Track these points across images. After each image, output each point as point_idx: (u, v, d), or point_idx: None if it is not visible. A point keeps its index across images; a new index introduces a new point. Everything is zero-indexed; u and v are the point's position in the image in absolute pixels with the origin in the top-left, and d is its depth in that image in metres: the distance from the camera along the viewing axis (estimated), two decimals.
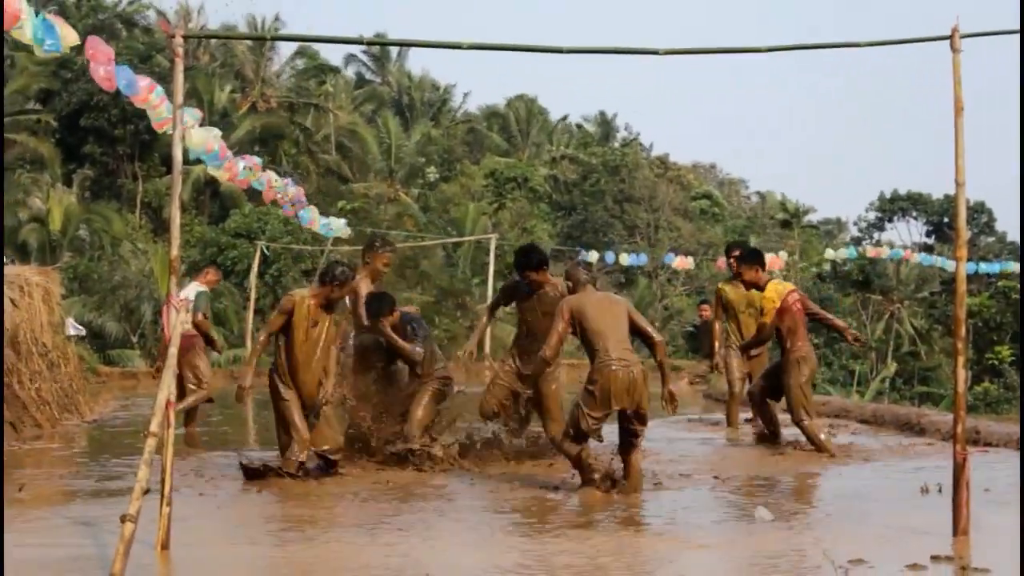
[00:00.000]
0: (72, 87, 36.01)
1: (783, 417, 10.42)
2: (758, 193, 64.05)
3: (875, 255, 37.49)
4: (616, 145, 54.80)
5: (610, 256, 33.29)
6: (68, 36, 9.10)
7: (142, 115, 14.23)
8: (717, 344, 11.82)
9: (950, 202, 45.61)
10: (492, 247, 27.97)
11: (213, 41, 42.42)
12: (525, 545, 6.09)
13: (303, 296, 8.47)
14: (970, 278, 29.67)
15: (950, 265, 33.16)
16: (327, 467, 8.48)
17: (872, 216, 54.92)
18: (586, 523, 6.74)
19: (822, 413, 12.35)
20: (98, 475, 8.80)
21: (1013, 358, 30.69)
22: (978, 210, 52.79)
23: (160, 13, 41.45)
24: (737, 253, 10.88)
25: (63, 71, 35.72)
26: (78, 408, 13.83)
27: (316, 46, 46.47)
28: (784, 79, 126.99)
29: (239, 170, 14.36)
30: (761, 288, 10.04)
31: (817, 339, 29.59)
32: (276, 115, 41.15)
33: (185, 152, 9.22)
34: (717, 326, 11.85)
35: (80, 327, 20.96)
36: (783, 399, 10.14)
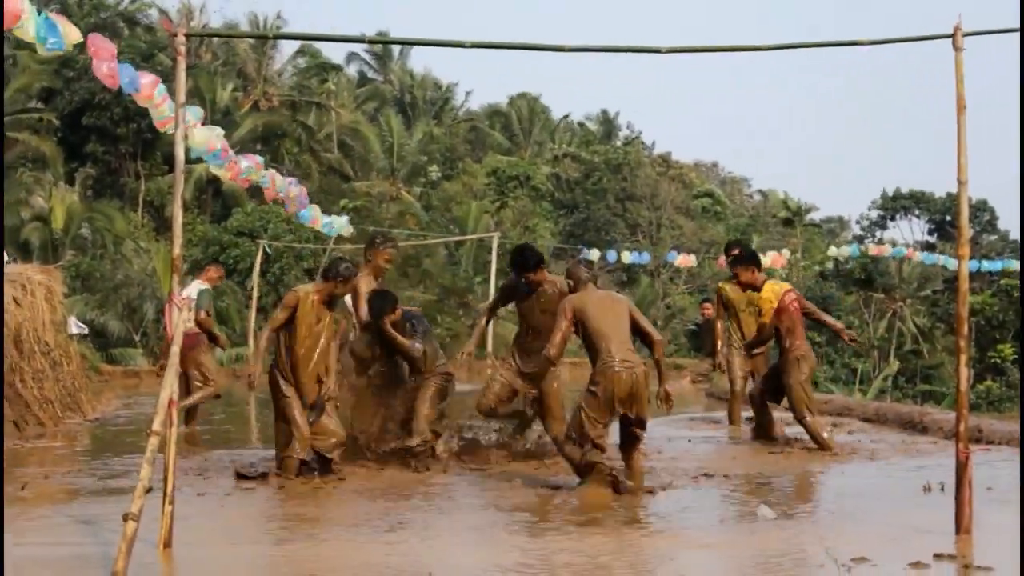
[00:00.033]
0: (74, 86, 36.02)
1: (786, 416, 10.43)
2: (760, 192, 64.07)
3: (877, 253, 37.45)
4: (618, 143, 54.81)
5: (612, 254, 33.25)
6: (71, 34, 9.09)
7: (144, 113, 14.23)
8: (720, 343, 11.85)
9: (952, 200, 45.50)
10: (494, 246, 27.93)
11: (215, 40, 42.42)
12: (526, 544, 6.09)
13: (307, 292, 8.48)
14: (972, 276, 29.68)
15: (952, 263, 33.09)
16: (323, 467, 8.45)
17: (874, 214, 54.94)
18: (587, 521, 6.72)
19: (825, 412, 12.35)
20: (100, 474, 8.80)
21: (1015, 356, 30.61)
22: (980, 208, 52.77)
23: (162, 12, 41.45)
24: (736, 252, 10.94)
25: (65, 70, 35.72)
26: (80, 407, 13.83)
27: (318, 44, 46.55)
28: (784, 79, 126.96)
29: (241, 169, 14.37)
30: (757, 289, 10.14)
31: (819, 337, 29.56)
32: (278, 114, 41.16)
33: (187, 151, 9.23)
34: (719, 325, 11.88)
35: (83, 326, 20.99)
36: (784, 400, 10.17)
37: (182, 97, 6.08)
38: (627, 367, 7.46)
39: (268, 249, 29.65)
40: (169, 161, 33.53)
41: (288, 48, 46.10)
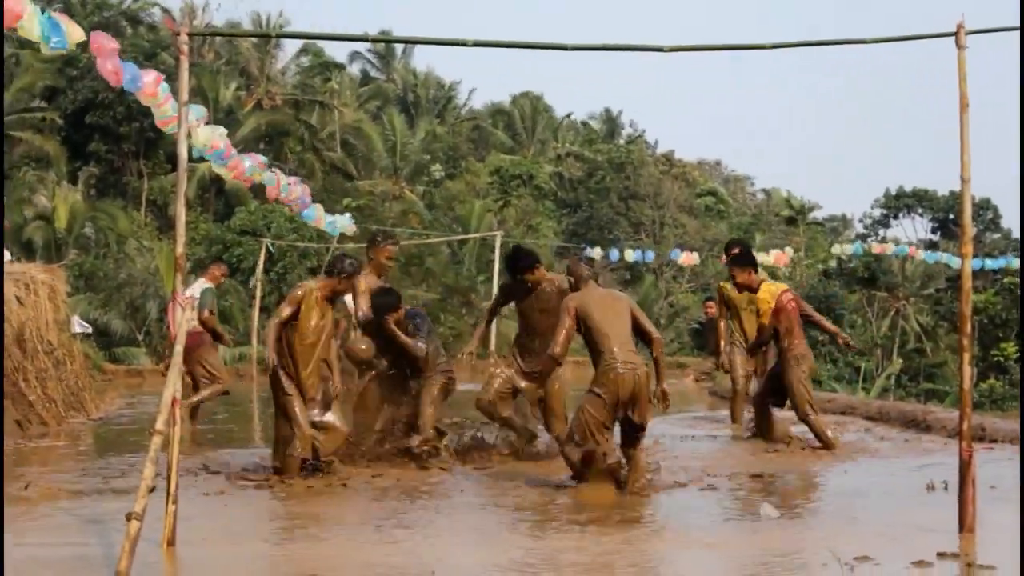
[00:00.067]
0: (77, 85, 36.05)
1: (790, 416, 10.43)
2: (763, 190, 64.06)
3: (880, 252, 37.42)
4: (621, 142, 54.78)
5: (615, 253, 33.27)
6: (74, 33, 9.11)
7: (147, 112, 14.25)
8: (723, 343, 11.85)
9: (955, 199, 45.52)
10: (497, 244, 27.93)
11: (218, 39, 42.45)
12: (529, 543, 6.08)
13: (311, 288, 8.49)
14: (975, 275, 29.64)
15: (955, 262, 33.09)
16: (326, 466, 8.43)
17: (877, 213, 54.88)
18: (590, 520, 6.71)
19: (828, 410, 12.35)
20: (104, 473, 8.79)
21: (1019, 355, 30.55)
22: (983, 206, 52.72)
23: (165, 11, 41.51)
24: (736, 251, 10.96)
25: (68, 69, 35.77)
26: (84, 406, 13.84)
27: (321, 43, 46.58)
28: (786, 78, 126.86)
29: (244, 168, 14.37)
30: (754, 290, 10.18)
31: (822, 336, 29.50)
32: (281, 112, 41.18)
33: (190, 150, 9.24)
34: (722, 324, 11.88)
35: (86, 325, 20.98)
36: (787, 402, 10.18)
37: (185, 96, 6.07)
38: (630, 368, 7.45)
39: (271, 248, 29.66)
40: (172, 160, 33.25)
41: (291, 47, 46.17)
